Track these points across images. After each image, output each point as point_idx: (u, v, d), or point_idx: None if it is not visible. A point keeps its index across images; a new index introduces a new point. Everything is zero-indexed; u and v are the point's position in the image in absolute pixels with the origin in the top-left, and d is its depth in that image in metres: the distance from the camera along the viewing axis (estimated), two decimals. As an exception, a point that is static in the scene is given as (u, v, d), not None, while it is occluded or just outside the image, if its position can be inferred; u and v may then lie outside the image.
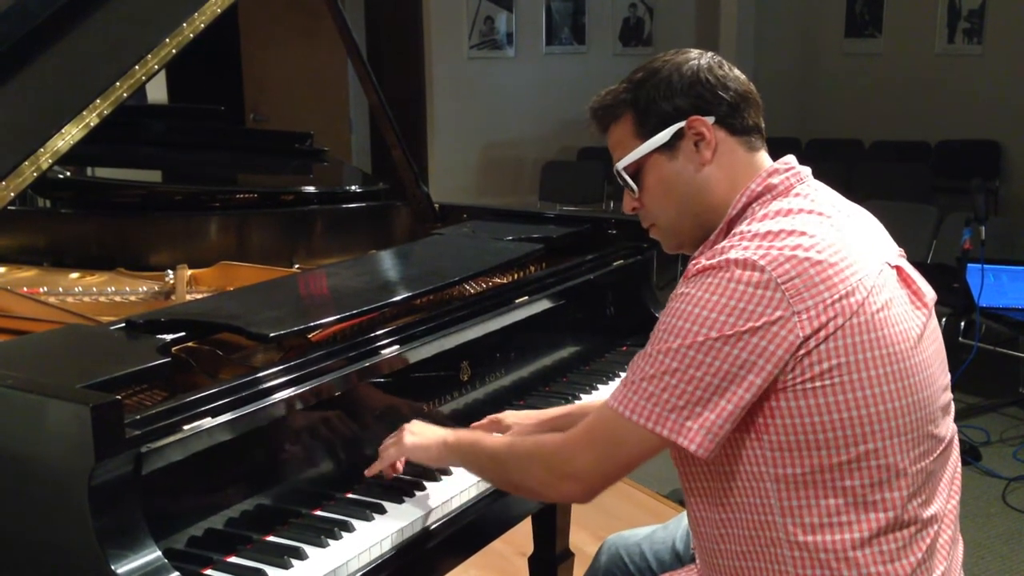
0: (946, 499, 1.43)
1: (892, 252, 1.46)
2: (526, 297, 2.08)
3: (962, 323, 4.26)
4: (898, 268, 1.42)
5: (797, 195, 1.40)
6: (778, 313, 1.26)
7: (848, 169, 6.91)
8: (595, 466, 1.37)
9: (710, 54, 1.48)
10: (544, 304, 2.12)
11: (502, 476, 1.53)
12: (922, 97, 7.46)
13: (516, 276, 2.21)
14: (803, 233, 1.31)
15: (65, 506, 1.27)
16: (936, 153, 7.29)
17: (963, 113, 7.23)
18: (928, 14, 7.44)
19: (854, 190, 6.62)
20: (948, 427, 1.45)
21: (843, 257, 1.31)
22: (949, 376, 1.48)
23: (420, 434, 1.62)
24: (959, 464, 1.51)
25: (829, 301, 1.27)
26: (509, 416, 1.84)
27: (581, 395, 2.10)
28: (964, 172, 6.27)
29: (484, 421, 1.85)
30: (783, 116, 8.28)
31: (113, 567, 1.24)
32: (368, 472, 1.65)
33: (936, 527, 1.39)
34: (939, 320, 1.46)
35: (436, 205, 2.72)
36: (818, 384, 1.28)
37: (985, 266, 4.02)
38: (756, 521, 1.36)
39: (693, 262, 1.37)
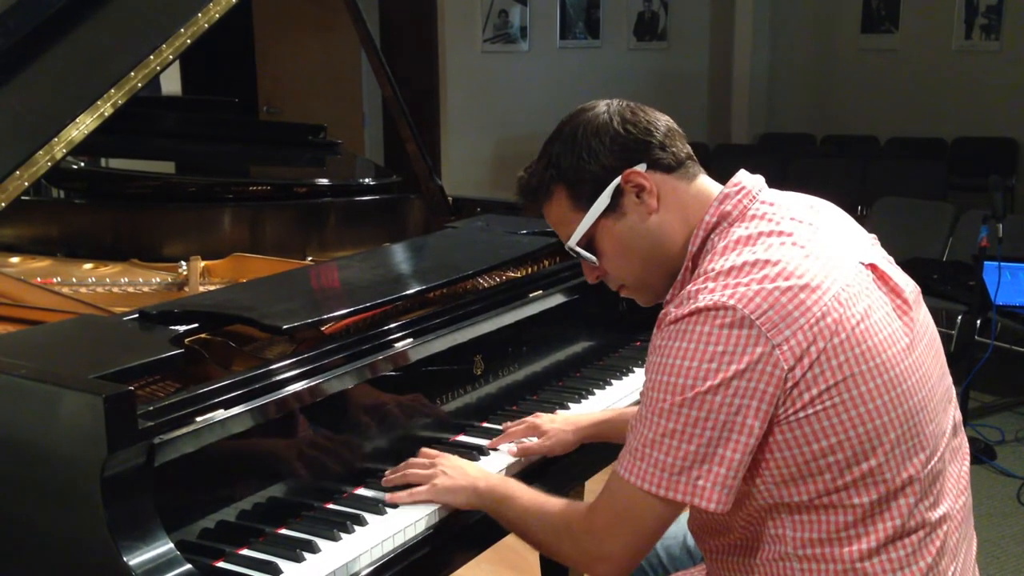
0: (955, 497, 1.41)
1: (864, 247, 1.42)
2: (540, 291, 2.07)
3: (978, 321, 4.23)
4: (872, 266, 1.38)
5: (754, 217, 1.37)
6: (759, 350, 1.23)
7: (863, 166, 6.88)
8: (624, 547, 1.35)
9: (617, 101, 1.45)
10: (558, 298, 2.11)
11: (531, 540, 1.50)
12: (938, 94, 7.42)
13: (530, 270, 2.20)
14: (767, 262, 1.28)
15: (78, 497, 1.26)
16: (952, 150, 7.25)
17: (980, 110, 7.19)
18: (945, 10, 7.40)
19: (869, 187, 6.59)
20: (950, 417, 1.43)
21: (812, 276, 1.27)
22: (946, 364, 1.45)
23: (452, 477, 1.59)
24: (967, 455, 1.49)
25: (806, 326, 1.24)
26: (546, 422, 1.82)
27: (595, 390, 2.09)
28: (980, 169, 6.24)
29: (520, 426, 1.82)
30: (798, 112, 8.26)
31: (125, 559, 1.24)
32: (387, 483, 1.63)
33: (945, 528, 1.37)
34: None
35: (450, 198, 2.72)
36: (811, 411, 1.26)
37: (1002, 264, 3.98)
38: (765, 535, 1.35)
39: (663, 312, 1.33)
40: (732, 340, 1.23)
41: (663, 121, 1.45)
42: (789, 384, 1.24)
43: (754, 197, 1.40)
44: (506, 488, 1.55)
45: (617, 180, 1.41)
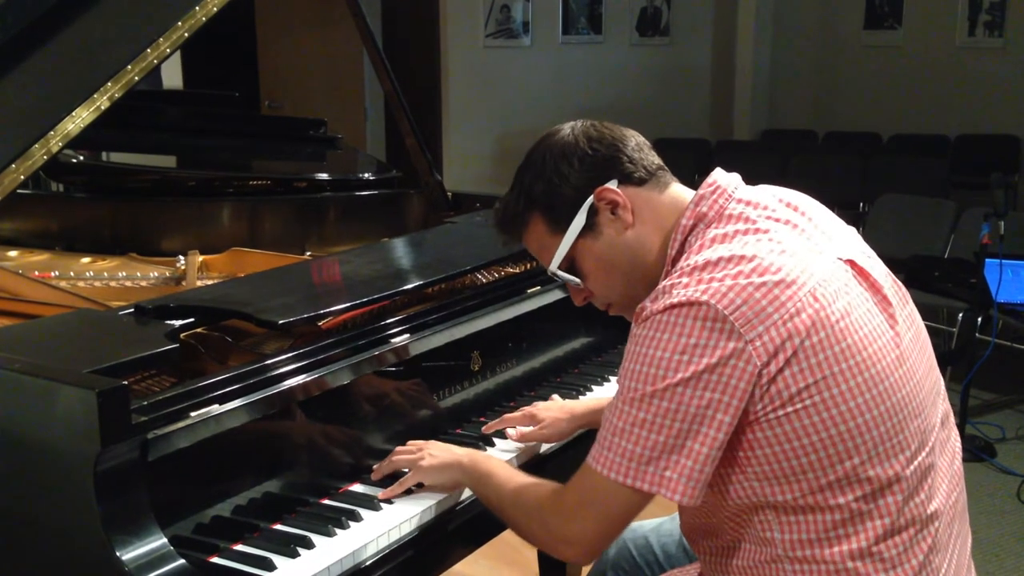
0: (947, 493, 1.40)
1: (844, 242, 1.40)
2: (538, 287, 2.06)
3: (979, 319, 4.22)
4: (851, 262, 1.36)
5: (730, 217, 1.35)
6: (731, 345, 1.22)
7: (865, 163, 6.87)
8: (591, 531, 1.34)
9: (581, 122, 1.45)
10: (556, 294, 2.10)
11: (505, 517, 1.50)
12: (942, 90, 7.41)
13: (528, 266, 2.19)
14: (742, 258, 1.27)
15: (71, 491, 1.26)
16: (955, 147, 7.23)
17: (983, 107, 7.17)
18: (949, 6, 7.38)
19: (871, 184, 6.58)
20: (939, 410, 1.41)
21: (787, 272, 1.26)
22: (934, 357, 1.44)
23: (438, 457, 1.59)
24: (958, 450, 1.47)
25: (780, 322, 1.23)
26: (542, 410, 1.83)
27: (592, 386, 2.09)
28: (983, 167, 6.22)
29: (518, 414, 1.83)
30: (800, 109, 8.24)
31: (118, 553, 1.24)
32: (376, 476, 1.63)
33: (937, 524, 1.36)
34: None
35: (449, 194, 2.71)
36: (790, 409, 1.25)
37: (1004, 261, 3.98)
38: (754, 537, 1.35)
39: (640, 306, 1.32)
40: (704, 334, 1.23)
41: (629, 135, 1.45)
42: (764, 380, 1.24)
43: (730, 196, 1.38)
44: (487, 465, 1.55)
45: (590, 199, 1.41)
